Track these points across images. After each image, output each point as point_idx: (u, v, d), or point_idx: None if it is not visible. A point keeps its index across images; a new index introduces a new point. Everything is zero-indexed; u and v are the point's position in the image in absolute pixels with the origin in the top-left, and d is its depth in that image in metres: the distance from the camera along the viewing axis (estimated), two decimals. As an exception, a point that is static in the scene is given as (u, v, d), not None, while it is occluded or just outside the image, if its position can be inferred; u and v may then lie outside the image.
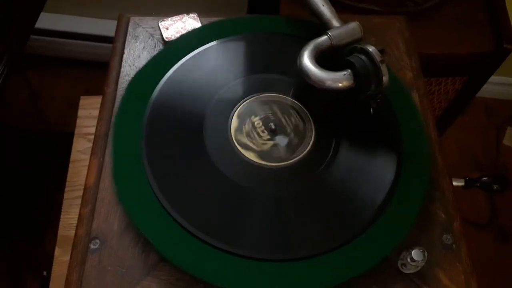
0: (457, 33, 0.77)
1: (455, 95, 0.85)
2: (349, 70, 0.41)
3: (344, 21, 0.46)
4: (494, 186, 0.53)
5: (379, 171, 0.42)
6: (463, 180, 0.52)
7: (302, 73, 0.41)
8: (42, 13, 0.83)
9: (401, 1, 0.77)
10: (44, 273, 1.05)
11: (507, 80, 1.38)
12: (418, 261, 0.38)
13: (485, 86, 0.88)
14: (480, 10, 0.80)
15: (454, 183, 0.51)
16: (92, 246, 0.39)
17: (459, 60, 0.77)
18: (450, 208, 0.44)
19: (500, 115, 1.43)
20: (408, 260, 0.39)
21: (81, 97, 0.70)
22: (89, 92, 0.71)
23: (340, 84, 0.40)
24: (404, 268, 0.40)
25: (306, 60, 0.41)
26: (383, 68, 0.38)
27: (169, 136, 0.43)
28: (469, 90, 0.84)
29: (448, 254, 0.41)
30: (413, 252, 0.38)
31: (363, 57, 0.40)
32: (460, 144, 1.37)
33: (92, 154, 0.44)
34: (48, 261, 0.59)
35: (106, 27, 1.24)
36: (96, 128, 0.46)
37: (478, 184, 0.52)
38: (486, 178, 0.53)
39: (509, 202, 1.27)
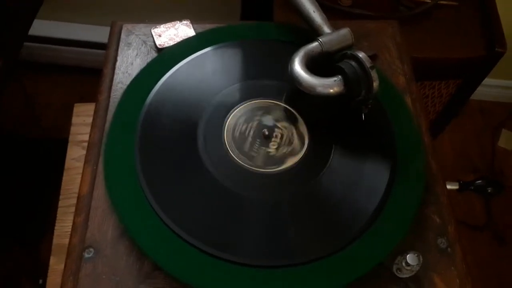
0: (450, 37, 0.77)
1: (449, 98, 0.85)
2: (339, 76, 0.41)
3: (336, 27, 0.46)
4: (488, 189, 0.53)
5: (374, 176, 0.42)
6: (457, 183, 0.52)
7: (293, 79, 0.41)
8: (36, 20, 0.83)
9: (394, 6, 0.77)
10: (40, 281, 1.05)
11: (502, 82, 1.39)
12: (413, 265, 0.38)
13: (480, 88, 0.89)
14: (472, 14, 0.80)
15: (448, 187, 0.51)
16: (86, 255, 0.39)
17: (452, 63, 0.77)
18: (445, 212, 0.44)
19: (495, 117, 1.44)
20: (403, 264, 0.39)
21: (75, 104, 0.70)
22: (84, 98, 0.71)
23: (331, 90, 0.40)
24: (399, 272, 0.40)
25: (297, 66, 0.41)
26: (373, 74, 0.39)
27: (163, 142, 0.43)
28: (463, 93, 0.84)
29: (443, 258, 0.41)
30: (408, 256, 0.38)
31: (353, 63, 0.40)
32: (455, 146, 1.38)
33: (85, 162, 0.44)
34: (44, 269, 0.59)
35: (100, 34, 1.24)
36: (90, 135, 0.46)
37: (472, 188, 0.52)
38: (480, 181, 0.53)
39: (505, 205, 1.28)
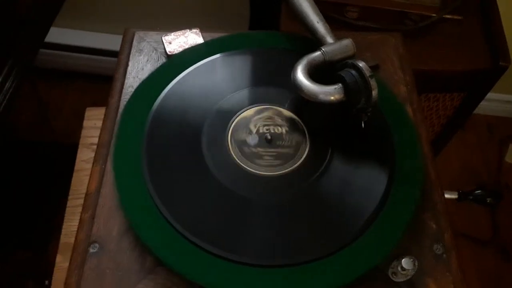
0: (454, 51, 0.78)
1: (453, 111, 0.86)
2: (340, 84, 0.42)
3: (339, 37, 0.48)
4: (488, 199, 0.54)
5: (371, 182, 0.43)
6: (456, 192, 0.53)
7: (295, 86, 0.43)
8: (52, 28, 0.86)
9: (399, 19, 0.79)
10: (46, 282, 1.07)
11: (509, 97, 1.39)
12: (408, 269, 0.39)
13: (487, 103, 0.89)
14: (476, 28, 0.82)
15: (447, 196, 0.52)
16: (91, 250, 0.40)
17: (456, 77, 0.78)
18: (442, 219, 0.45)
19: (502, 132, 1.44)
20: (399, 269, 0.40)
21: (87, 108, 0.72)
22: (97, 104, 0.73)
23: (331, 98, 0.42)
24: (394, 276, 0.40)
25: (299, 74, 0.42)
26: (373, 82, 0.40)
27: (169, 145, 0.45)
28: (467, 106, 0.85)
29: (438, 264, 0.42)
30: (403, 261, 0.39)
31: (353, 72, 0.41)
32: (462, 161, 1.38)
33: (94, 161, 0.46)
34: (51, 270, 0.60)
35: (113, 42, 1.27)
36: (99, 136, 0.48)
37: (471, 197, 0.53)
38: (480, 191, 0.54)
39: (511, 220, 1.27)
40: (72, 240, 0.58)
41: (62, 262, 0.60)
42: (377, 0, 0.77)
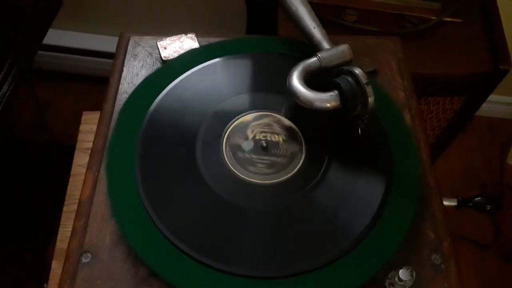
0: (454, 54, 0.78)
1: (453, 114, 0.85)
2: (336, 91, 0.41)
3: (337, 42, 0.47)
4: (488, 206, 0.53)
5: (369, 190, 0.43)
6: (455, 200, 0.52)
7: (291, 93, 0.42)
8: (51, 30, 0.86)
9: (398, 22, 0.78)
10: (45, 285, 1.06)
11: (510, 99, 1.38)
12: (406, 280, 0.39)
13: (488, 105, 0.88)
14: (477, 31, 0.81)
15: (446, 203, 0.51)
16: (83, 260, 0.40)
17: (456, 80, 0.77)
18: (440, 228, 0.44)
19: (504, 134, 1.43)
20: (396, 279, 0.39)
21: (84, 112, 0.72)
22: (96, 106, 0.72)
23: (327, 105, 0.41)
24: (391, 287, 0.40)
25: (295, 81, 0.42)
26: (369, 89, 0.39)
27: (163, 152, 0.44)
28: (468, 109, 0.84)
29: (436, 274, 0.41)
30: (400, 271, 0.39)
31: (349, 78, 0.41)
32: (464, 164, 1.37)
33: (88, 168, 0.45)
34: (48, 274, 0.60)
35: (113, 44, 1.27)
36: (93, 142, 0.47)
37: (471, 204, 0.52)
38: (480, 198, 0.53)
39: (513, 223, 1.26)
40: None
41: (58, 269, 0.59)
42: (376, 3, 0.76)
